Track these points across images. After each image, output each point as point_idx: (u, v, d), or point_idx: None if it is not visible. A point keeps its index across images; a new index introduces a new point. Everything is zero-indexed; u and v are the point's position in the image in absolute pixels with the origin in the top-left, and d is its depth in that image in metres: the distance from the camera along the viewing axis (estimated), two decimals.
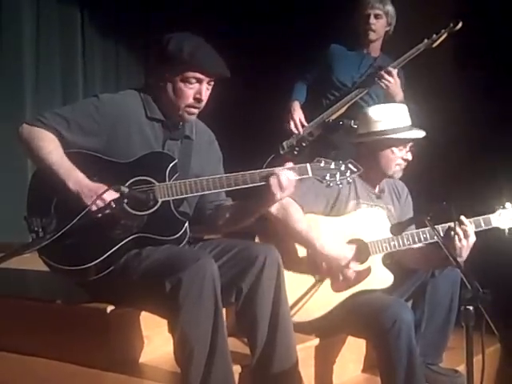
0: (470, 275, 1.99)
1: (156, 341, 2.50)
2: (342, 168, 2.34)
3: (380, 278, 2.76)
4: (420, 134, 2.84)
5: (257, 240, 2.75)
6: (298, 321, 2.60)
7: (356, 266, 2.71)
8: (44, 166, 2.26)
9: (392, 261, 2.85)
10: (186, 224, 2.31)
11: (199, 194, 2.32)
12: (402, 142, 2.82)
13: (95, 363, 2.37)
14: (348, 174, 2.35)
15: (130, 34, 5.31)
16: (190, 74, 2.33)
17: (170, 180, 2.30)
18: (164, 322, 2.23)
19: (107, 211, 2.14)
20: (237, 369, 2.36)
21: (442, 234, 2.56)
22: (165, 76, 2.36)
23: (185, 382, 2.16)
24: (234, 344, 2.50)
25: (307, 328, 2.69)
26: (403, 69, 3.68)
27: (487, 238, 2.77)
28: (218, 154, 2.62)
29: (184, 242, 2.32)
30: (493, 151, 3.99)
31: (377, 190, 2.94)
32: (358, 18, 3.72)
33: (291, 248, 2.73)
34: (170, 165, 2.32)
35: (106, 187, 2.17)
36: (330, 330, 2.71)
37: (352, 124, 3.49)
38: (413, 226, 2.71)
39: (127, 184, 2.24)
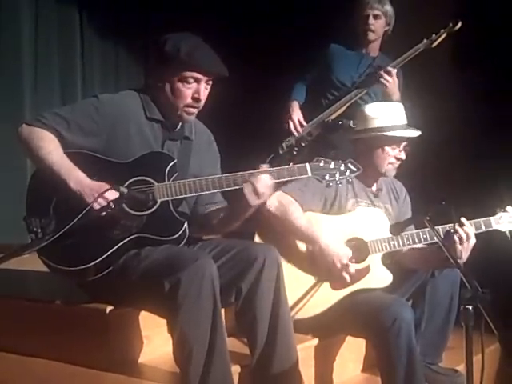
0: (470, 275, 1.99)
1: (155, 341, 2.50)
2: (342, 167, 2.35)
3: (379, 277, 2.76)
4: (415, 133, 2.85)
5: (256, 238, 2.75)
6: (298, 318, 2.61)
7: (355, 265, 2.72)
8: (44, 165, 2.26)
9: (392, 261, 2.85)
10: (185, 224, 2.31)
11: (198, 194, 2.32)
12: (397, 140, 2.82)
13: (95, 363, 2.37)
14: (347, 173, 2.35)
15: (129, 34, 5.30)
16: (188, 73, 2.33)
17: (169, 180, 2.30)
18: (163, 322, 2.23)
19: (106, 211, 2.14)
20: (236, 369, 2.36)
21: (441, 235, 2.56)
22: (163, 76, 2.37)
23: (184, 381, 2.16)
24: (234, 344, 2.50)
25: (306, 326, 2.68)
26: (402, 68, 3.68)
27: (487, 238, 2.78)
28: (216, 155, 2.62)
29: (183, 242, 2.32)
30: (487, 152, 4.00)
31: (374, 188, 2.94)
32: (357, 19, 3.72)
33: (291, 245, 2.73)
34: (169, 165, 2.32)
35: (107, 186, 2.17)
36: (328, 328, 2.71)
37: (351, 124, 3.49)
38: (412, 226, 2.71)
39: (126, 184, 2.25)
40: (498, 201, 2.86)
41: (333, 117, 3.71)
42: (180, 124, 2.48)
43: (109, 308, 2.37)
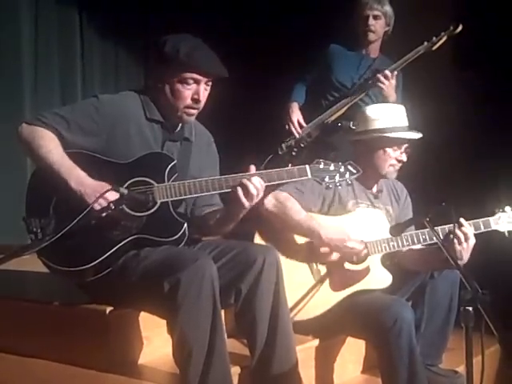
0: (469, 276, 1.99)
1: (155, 342, 2.49)
2: (342, 169, 2.34)
3: (379, 278, 2.76)
4: (416, 135, 2.84)
5: (257, 239, 2.75)
6: (297, 319, 2.60)
7: (355, 266, 2.71)
8: (44, 165, 2.26)
9: (392, 262, 2.85)
10: (185, 225, 2.31)
11: (198, 195, 2.32)
12: (398, 142, 2.82)
13: (94, 364, 2.37)
14: (347, 175, 2.35)
15: (129, 34, 5.30)
16: (187, 74, 2.32)
17: (168, 181, 2.30)
18: (163, 323, 2.23)
19: (107, 212, 2.14)
20: (236, 370, 2.36)
21: (441, 236, 2.56)
22: (163, 77, 2.36)
23: (183, 382, 2.16)
24: (234, 345, 2.50)
25: (306, 327, 2.68)
26: (402, 71, 3.68)
27: (486, 239, 2.78)
28: (215, 157, 2.62)
29: (182, 243, 2.32)
30: (486, 153, 4.00)
31: (374, 190, 2.94)
32: (357, 19, 3.72)
33: (291, 241, 2.72)
34: (169, 166, 2.32)
35: (108, 186, 2.17)
36: (328, 329, 2.71)
37: (351, 125, 3.49)
38: (412, 227, 2.71)
39: (126, 185, 2.24)
40: (496, 201, 2.86)
41: (332, 118, 3.71)
42: (180, 125, 2.47)
43: (108, 309, 2.37)
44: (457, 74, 4.26)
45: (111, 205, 2.11)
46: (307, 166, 2.33)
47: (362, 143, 2.86)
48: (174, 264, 2.16)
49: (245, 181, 2.25)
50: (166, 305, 2.14)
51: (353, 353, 2.88)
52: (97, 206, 2.13)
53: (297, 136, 3.75)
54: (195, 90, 2.35)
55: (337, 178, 2.34)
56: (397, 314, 2.52)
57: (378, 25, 3.71)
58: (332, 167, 2.34)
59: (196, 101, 2.36)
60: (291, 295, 2.49)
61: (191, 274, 2.11)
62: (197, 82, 2.34)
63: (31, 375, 2.48)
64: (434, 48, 3.60)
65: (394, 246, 2.76)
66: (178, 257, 2.21)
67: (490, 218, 2.80)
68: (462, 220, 2.64)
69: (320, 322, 2.69)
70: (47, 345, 2.48)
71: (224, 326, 2.21)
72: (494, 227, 2.80)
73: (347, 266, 2.75)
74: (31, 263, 2.47)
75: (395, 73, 3.60)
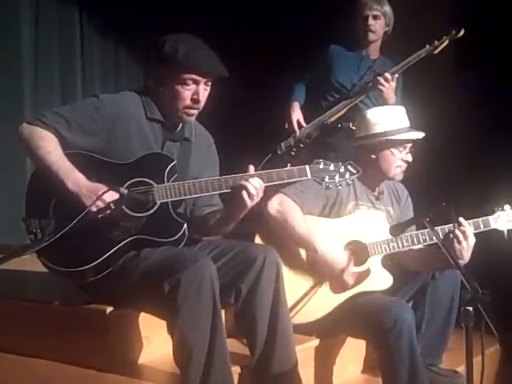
0: (470, 276, 1.99)
1: (155, 342, 2.49)
2: (341, 170, 2.34)
3: (379, 280, 2.75)
4: (419, 134, 2.84)
5: (257, 239, 2.75)
6: (298, 323, 2.60)
7: (355, 268, 2.71)
8: (43, 165, 2.26)
9: (392, 263, 2.85)
10: (185, 226, 2.30)
11: (197, 195, 2.31)
12: (401, 143, 2.82)
13: (94, 364, 2.37)
14: (347, 175, 2.35)
15: (129, 33, 5.30)
16: (186, 75, 2.32)
17: (168, 181, 2.29)
18: (163, 323, 2.23)
19: (106, 213, 2.14)
20: (236, 369, 2.36)
21: (441, 236, 2.56)
22: (163, 78, 2.36)
23: (184, 382, 2.16)
24: (234, 345, 2.50)
25: (307, 330, 2.68)
26: (402, 73, 3.68)
27: (487, 239, 2.78)
28: (215, 158, 2.61)
29: (182, 244, 2.32)
30: (488, 152, 4.00)
31: (376, 191, 2.94)
32: (357, 20, 3.72)
33: (291, 249, 2.73)
34: (169, 166, 2.32)
35: (105, 187, 2.17)
36: (329, 331, 2.71)
37: (350, 126, 3.50)
38: (413, 227, 2.71)
39: (126, 185, 2.24)
40: (496, 200, 2.86)
41: (332, 119, 3.71)
42: (180, 125, 2.47)
43: (109, 309, 2.37)
44: (458, 74, 4.25)
45: (111, 205, 2.11)
46: (307, 167, 2.33)
47: (366, 148, 2.85)
48: (174, 265, 2.15)
49: (243, 181, 2.25)
50: (166, 305, 2.14)
51: (353, 353, 2.88)
52: (94, 208, 2.13)
53: (296, 135, 3.75)
54: (194, 91, 2.35)
55: (337, 178, 2.33)
56: (397, 315, 2.52)
57: (378, 25, 3.71)
58: (332, 167, 2.34)
59: (195, 101, 2.36)
60: (291, 297, 2.49)
61: (191, 274, 2.11)
62: (196, 82, 2.34)
63: (31, 375, 2.48)
64: (436, 52, 3.59)
65: (394, 247, 2.76)
66: (177, 257, 2.21)
67: (490, 217, 2.80)
68: (461, 219, 2.64)
69: (321, 324, 2.69)
70: (47, 345, 2.48)
71: (224, 326, 2.21)
72: (493, 226, 2.80)
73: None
74: (31, 263, 2.47)
75: (396, 75, 3.59)
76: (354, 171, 2.35)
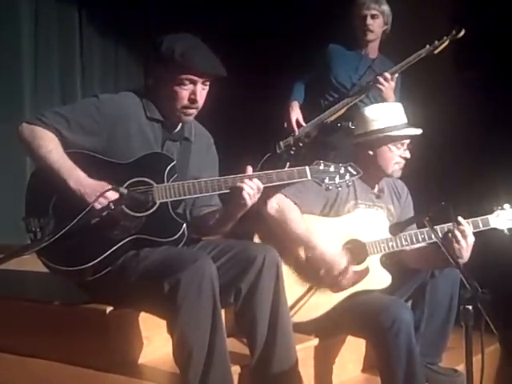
0: (469, 275, 1.99)
1: (156, 341, 2.50)
2: (342, 171, 2.34)
3: (378, 279, 2.76)
4: (417, 131, 2.85)
5: (256, 239, 2.75)
6: (297, 321, 2.60)
7: (354, 267, 2.71)
8: (44, 164, 2.27)
9: (391, 262, 2.85)
10: (184, 225, 2.30)
11: (197, 196, 2.31)
12: (399, 139, 2.82)
13: (94, 364, 2.37)
14: (347, 177, 2.35)
15: (129, 33, 5.29)
16: (183, 76, 2.31)
17: (168, 181, 2.30)
18: (163, 323, 2.23)
19: (106, 212, 2.14)
20: (236, 369, 2.36)
21: (440, 235, 2.56)
22: (161, 78, 2.36)
23: (184, 382, 2.16)
24: (234, 344, 2.50)
25: (306, 328, 2.69)
26: (402, 72, 3.68)
27: (486, 238, 2.78)
28: (215, 158, 2.62)
29: (182, 244, 2.32)
30: (487, 151, 4.00)
31: (376, 189, 2.94)
32: (355, 19, 3.72)
33: (290, 248, 2.73)
34: (169, 166, 2.32)
35: (107, 185, 2.18)
36: (329, 330, 2.71)
37: (350, 125, 3.50)
38: (413, 226, 2.71)
39: (126, 185, 2.24)
40: (496, 199, 2.86)
41: (332, 118, 3.71)
42: (180, 125, 2.47)
43: (109, 309, 2.37)
44: (458, 74, 4.25)
45: (111, 205, 2.12)
46: (307, 168, 2.33)
47: (364, 145, 2.85)
48: (174, 264, 2.16)
49: (240, 182, 2.25)
50: (166, 305, 2.14)
51: (353, 352, 2.88)
52: (97, 206, 2.14)
53: (296, 134, 3.75)
54: (192, 91, 2.34)
55: (337, 179, 2.33)
56: (395, 314, 2.52)
57: (376, 24, 3.71)
58: (332, 168, 2.34)
59: (193, 101, 2.35)
60: (290, 294, 2.49)
61: (191, 274, 2.11)
62: (193, 82, 2.33)
63: (31, 375, 2.48)
64: (436, 51, 3.59)
65: (392, 246, 2.76)
66: (177, 257, 2.21)
67: (489, 216, 2.80)
68: (460, 218, 2.64)
69: (320, 323, 2.69)
70: (47, 344, 2.48)
71: (224, 326, 2.21)
72: (492, 225, 2.80)
73: None
74: (31, 263, 2.47)
75: (395, 75, 3.60)
76: (355, 172, 2.35)
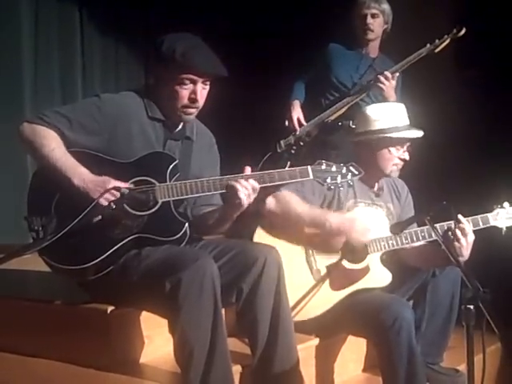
0: (471, 274, 1.99)
1: (157, 341, 2.50)
2: (343, 171, 2.34)
3: (378, 277, 2.76)
4: (418, 133, 2.84)
5: (256, 239, 2.74)
6: (297, 320, 2.60)
7: (354, 265, 2.71)
8: (47, 163, 2.27)
9: (392, 260, 2.85)
10: (186, 225, 2.30)
11: (199, 195, 2.31)
12: (399, 141, 2.82)
13: (96, 363, 2.37)
14: (349, 176, 2.34)
15: (130, 31, 5.29)
16: (184, 75, 2.31)
17: (170, 180, 2.30)
18: (164, 322, 2.23)
19: (108, 211, 2.14)
20: (237, 369, 2.36)
21: (440, 233, 2.56)
22: (162, 77, 2.37)
23: (185, 381, 2.16)
24: (235, 344, 2.50)
25: (307, 327, 2.68)
26: (402, 71, 3.67)
27: (487, 236, 2.78)
28: (216, 157, 2.61)
29: (184, 243, 2.32)
30: (490, 151, 4.00)
31: (375, 188, 2.94)
32: (355, 18, 3.72)
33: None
34: (171, 165, 2.32)
35: (111, 180, 2.19)
36: (329, 329, 2.71)
37: (350, 124, 3.50)
38: (414, 225, 2.71)
39: (128, 184, 2.24)
40: (496, 197, 2.87)
41: (333, 118, 3.71)
42: (181, 124, 2.47)
43: (110, 308, 2.37)
44: (459, 72, 4.25)
45: (112, 204, 2.12)
46: (309, 167, 2.32)
47: (364, 144, 2.85)
48: (175, 263, 2.16)
49: (233, 182, 2.25)
50: (167, 304, 2.14)
51: (354, 351, 2.88)
52: (102, 201, 2.14)
53: (296, 133, 3.75)
54: (192, 90, 2.34)
55: (338, 179, 2.33)
56: (397, 313, 2.52)
57: (377, 23, 3.71)
58: (334, 168, 2.33)
59: (193, 100, 2.35)
60: (291, 296, 2.48)
61: (192, 273, 2.11)
62: (193, 81, 2.33)
63: (32, 374, 2.48)
64: (437, 50, 3.59)
65: (393, 244, 2.76)
66: (179, 256, 2.21)
67: (489, 214, 2.80)
68: (459, 216, 2.64)
69: (320, 321, 2.69)
70: (48, 344, 2.48)
71: (225, 325, 2.21)
72: (492, 223, 2.80)
73: (347, 265, 2.75)
74: (32, 262, 2.47)
75: (396, 74, 3.59)
76: (356, 172, 2.35)
